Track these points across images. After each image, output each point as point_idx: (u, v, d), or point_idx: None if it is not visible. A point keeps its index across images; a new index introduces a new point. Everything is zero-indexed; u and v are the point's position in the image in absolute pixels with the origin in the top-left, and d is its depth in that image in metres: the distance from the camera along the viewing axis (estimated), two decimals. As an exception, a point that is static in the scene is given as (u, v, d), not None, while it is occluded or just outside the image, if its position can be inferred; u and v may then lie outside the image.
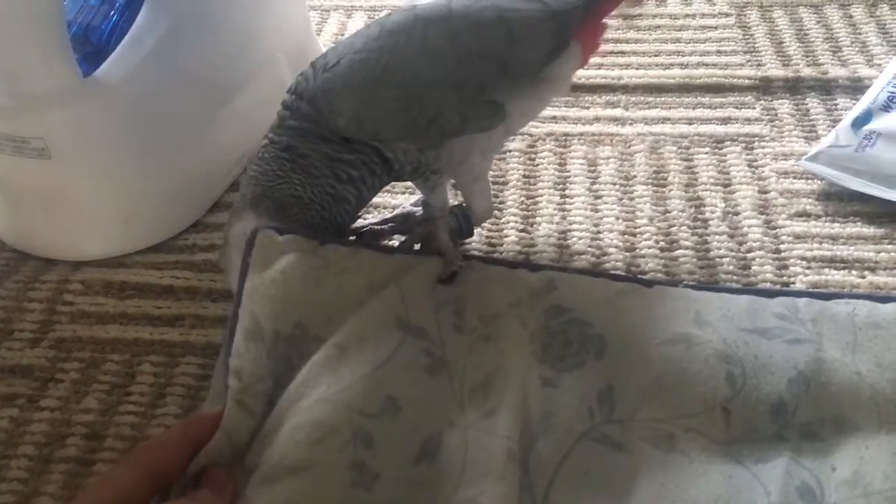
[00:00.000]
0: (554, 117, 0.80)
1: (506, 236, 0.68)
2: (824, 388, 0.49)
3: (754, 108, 0.80)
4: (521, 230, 0.69)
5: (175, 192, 0.71)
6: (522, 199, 0.72)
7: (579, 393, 0.51)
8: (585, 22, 0.57)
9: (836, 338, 0.51)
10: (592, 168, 0.75)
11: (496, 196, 0.72)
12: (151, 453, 0.45)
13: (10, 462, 0.54)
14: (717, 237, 0.67)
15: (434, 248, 0.57)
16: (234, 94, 0.74)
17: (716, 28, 0.92)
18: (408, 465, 0.47)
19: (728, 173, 0.73)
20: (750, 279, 0.63)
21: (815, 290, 0.61)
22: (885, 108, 0.71)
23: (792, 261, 0.64)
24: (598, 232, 0.68)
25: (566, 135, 0.79)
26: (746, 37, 0.90)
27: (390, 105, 0.54)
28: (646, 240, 0.67)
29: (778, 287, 0.62)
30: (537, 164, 0.76)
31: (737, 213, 0.69)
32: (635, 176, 0.73)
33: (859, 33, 0.89)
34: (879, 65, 0.83)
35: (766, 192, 0.71)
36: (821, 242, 0.66)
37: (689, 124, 0.79)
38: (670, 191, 0.72)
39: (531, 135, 0.79)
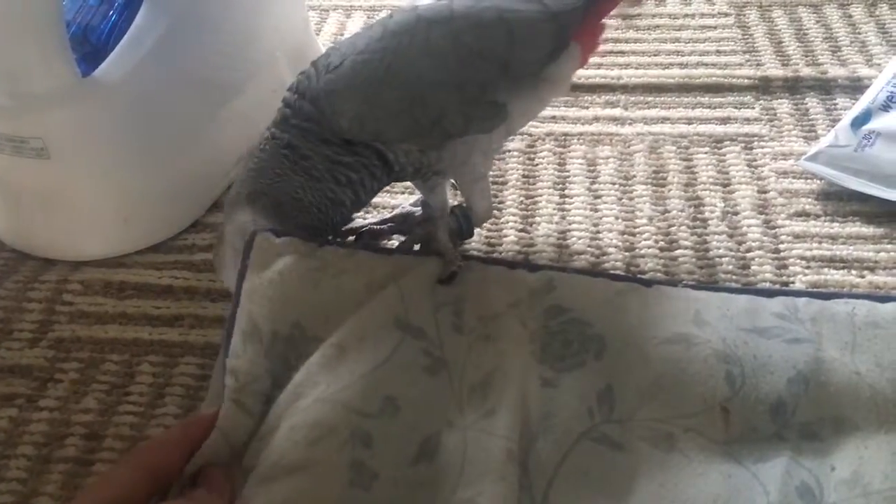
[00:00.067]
0: (553, 117, 0.80)
1: (505, 236, 0.68)
2: (824, 387, 0.49)
3: (753, 107, 0.80)
4: (521, 230, 0.69)
5: (174, 192, 0.71)
6: (522, 198, 0.72)
7: (579, 393, 0.51)
8: (585, 22, 0.57)
9: (835, 337, 0.51)
10: (592, 168, 0.75)
11: (495, 196, 0.72)
12: (151, 453, 0.45)
13: (9, 462, 0.54)
14: (716, 237, 0.67)
15: (434, 248, 0.57)
16: (233, 93, 0.74)
17: (715, 28, 0.92)
18: (406, 465, 0.47)
19: (727, 173, 0.73)
20: (749, 279, 0.63)
21: (815, 289, 0.61)
22: (885, 107, 0.70)
23: (791, 260, 0.64)
24: (598, 232, 0.68)
25: (566, 134, 0.79)
26: (746, 36, 0.90)
27: (393, 106, 0.54)
28: (645, 239, 0.67)
29: (777, 287, 0.62)
30: (537, 164, 0.76)
31: (736, 213, 0.69)
32: (635, 176, 0.73)
33: (859, 33, 0.89)
34: (879, 64, 0.83)
35: (765, 192, 0.71)
36: (820, 242, 0.66)
37: (689, 124, 0.79)
38: (670, 190, 0.72)
39: (531, 134, 0.79)
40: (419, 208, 0.65)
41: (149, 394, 0.58)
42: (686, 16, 0.94)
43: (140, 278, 0.67)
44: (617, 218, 0.69)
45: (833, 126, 0.73)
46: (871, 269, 0.63)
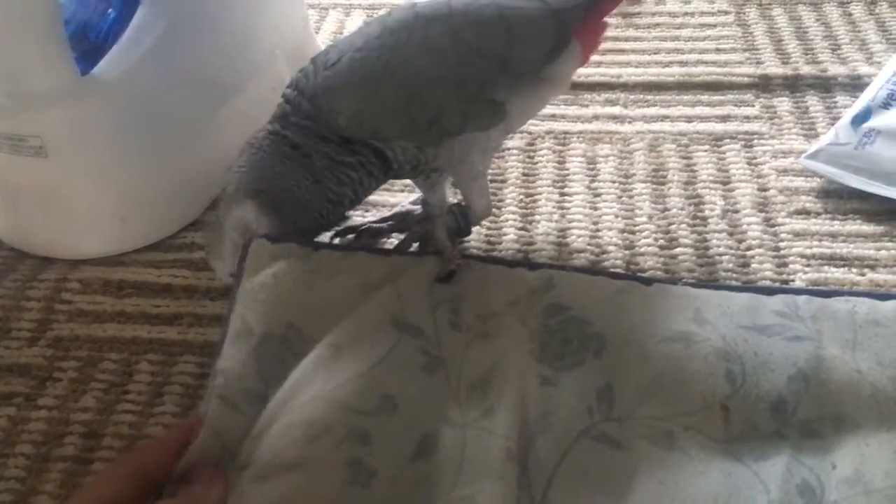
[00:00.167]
0: (553, 115, 0.80)
1: (504, 234, 0.68)
2: (824, 385, 0.49)
3: (754, 105, 0.80)
4: (520, 228, 0.69)
5: (173, 190, 0.71)
6: (521, 197, 0.72)
7: (578, 391, 0.51)
8: (586, 20, 0.57)
9: (835, 335, 0.51)
10: (592, 166, 0.75)
11: (495, 194, 0.72)
12: (147, 453, 0.46)
13: (7, 461, 0.54)
14: (716, 235, 0.67)
15: (432, 246, 0.57)
16: (233, 92, 0.74)
17: (715, 26, 0.92)
18: (405, 463, 0.47)
19: (727, 171, 0.73)
20: (749, 277, 0.63)
21: (815, 287, 0.61)
22: (885, 105, 0.70)
23: (791, 258, 0.64)
24: (598, 230, 0.68)
25: (565, 133, 0.79)
26: (745, 34, 0.90)
27: (391, 103, 0.54)
28: (645, 238, 0.67)
29: (777, 285, 0.62)
30: (536, 162, 0.76)
31: (736, 211, 0.69)
32: (634, 174, 0.73)
33: (859, 31, 0.89)
34: (879, 62, 0.83)
35: (765, 190, 0.71)
36: (820, 240, 0.66)
37: (689, 122, 0.79)
38: (669, 189, 0.71)
39: (530, 133, 0.79)
40: (419, 206, 0.65)
41: (147, 392, 0.58)
42: (686, 14, 0.94)
43: (139, 277, 0.67)
44: (617, 216, 0.69)
45: (833, 124, 0.73)
46: (872, 267, 0.63)
